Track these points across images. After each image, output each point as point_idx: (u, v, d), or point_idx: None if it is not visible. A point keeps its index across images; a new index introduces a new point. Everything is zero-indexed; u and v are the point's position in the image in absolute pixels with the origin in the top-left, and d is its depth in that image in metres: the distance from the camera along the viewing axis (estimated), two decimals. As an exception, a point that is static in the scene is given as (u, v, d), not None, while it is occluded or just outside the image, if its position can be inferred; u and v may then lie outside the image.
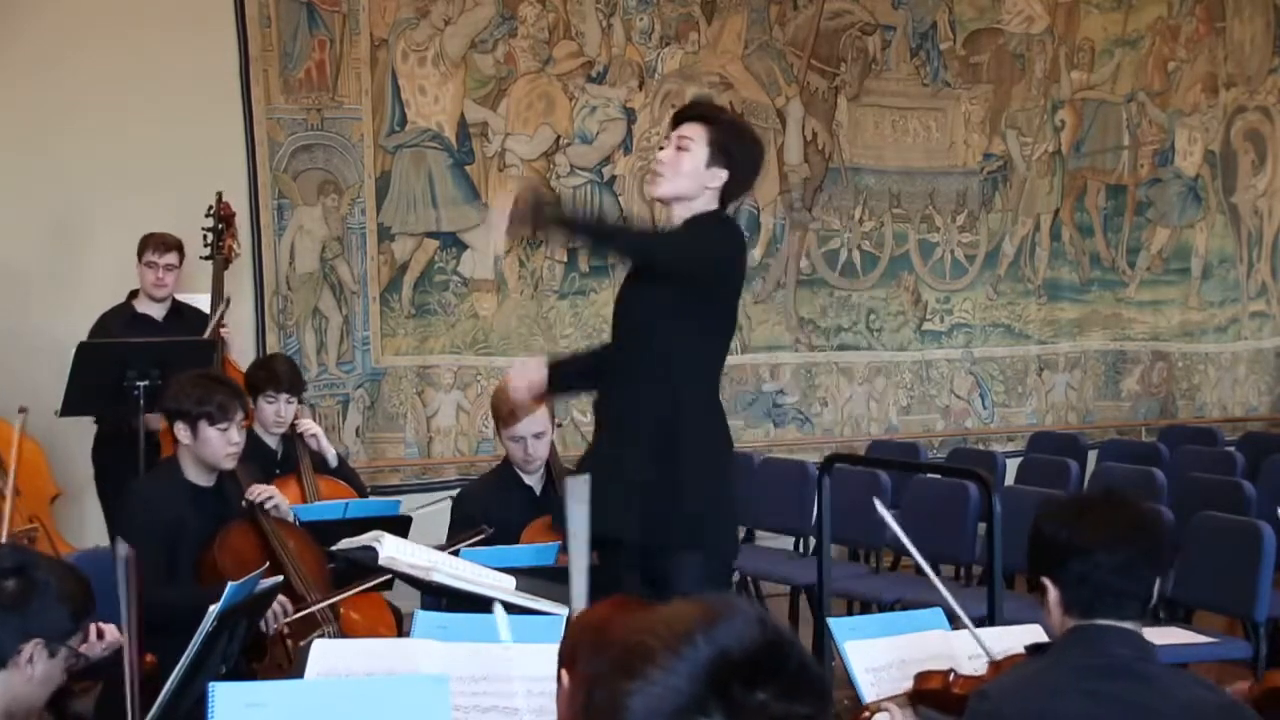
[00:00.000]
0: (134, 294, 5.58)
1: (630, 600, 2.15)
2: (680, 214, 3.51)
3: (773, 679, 1.18)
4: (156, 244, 5.48)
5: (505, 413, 4.20)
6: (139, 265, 5.50)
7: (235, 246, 5.59)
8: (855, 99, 8.05)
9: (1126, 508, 2.40)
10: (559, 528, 4.22)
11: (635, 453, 3.45)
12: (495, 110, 7.07)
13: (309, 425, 4.85)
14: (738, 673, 1.17)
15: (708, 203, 3.49)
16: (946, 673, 2.74)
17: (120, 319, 5.48)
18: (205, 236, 5.55)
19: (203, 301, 5.59)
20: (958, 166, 8.42)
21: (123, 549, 2.78)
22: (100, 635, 3.04)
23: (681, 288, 3.44)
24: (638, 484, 3.42)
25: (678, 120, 3.55)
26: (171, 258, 5.49)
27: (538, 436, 4.23)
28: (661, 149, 3.57)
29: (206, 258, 5.57)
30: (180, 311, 5.60)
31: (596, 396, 3.75)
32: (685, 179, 3.46)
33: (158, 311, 5.55)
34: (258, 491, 4.02)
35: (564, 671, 2.06)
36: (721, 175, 3.47)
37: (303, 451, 4.79)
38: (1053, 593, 2.38)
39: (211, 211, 5.58)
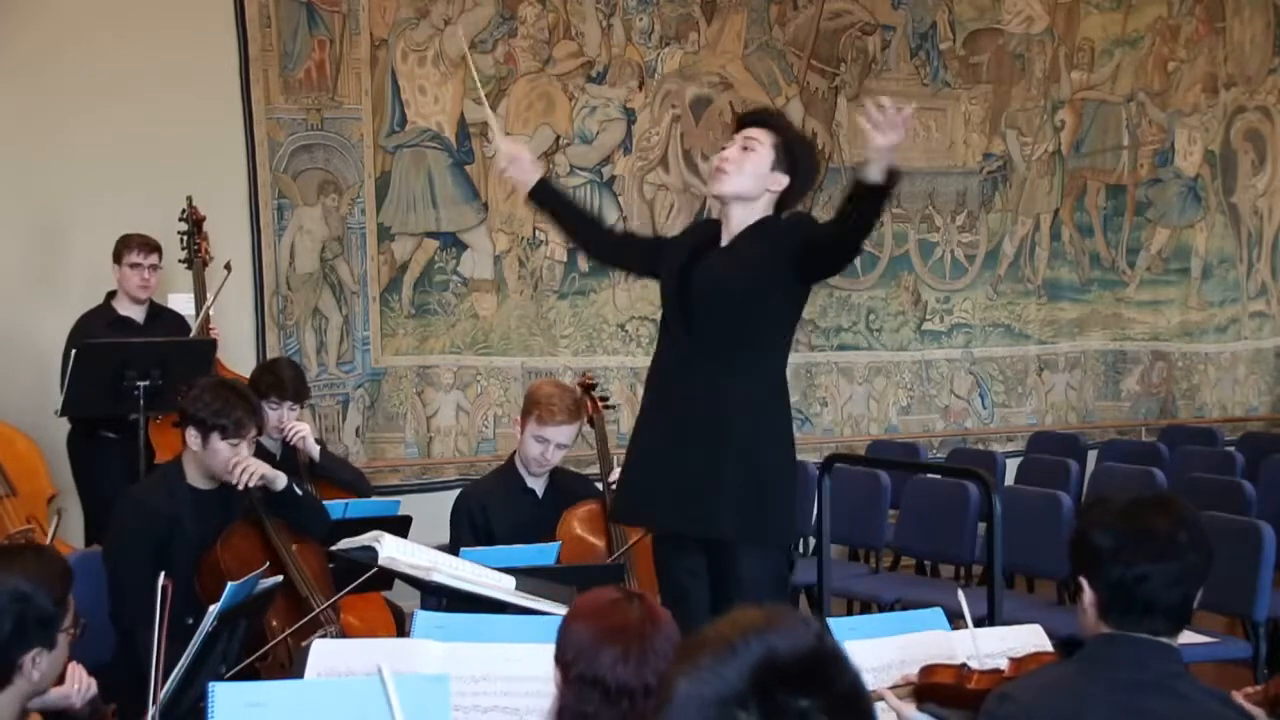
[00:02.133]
0: (111, 295, 5.55)
1: (620, 593, 2.15)
2: (739, 215, 3.50)
3: (819, 692, 1.21)
4: (140, 245, 5.46)
5: (545, 412, 4.20)
6: (120, 267, 5.46)
7: (208, 250, 5.59)
8: (855, 99, 8.05)
9: (1177, 518, 2.29)
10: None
11: (723, 450, 3.45)
12: (495, 110, 7.07)
13: (296, 428, 4.79)
14: (784, 676, 1.20)
15: (766, 207, 3.51)
16: (959, 666, 2.66)
17: (101, 321, 5.45)
18: (181, 240, 5.57)
19: (183, 303, 5.61)
20: (957, 166, 8.42)
21: (160, 579, 2.83)
22: (70, 584, 3.01)
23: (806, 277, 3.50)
24: (722, 482, 3.44)
25: (742, 124, 3.56)
26: (155, 258, 5.48)
27: (560, 446, 4.26)
28: (724, 149, 3.55)
29: (184, 261, 5.58)
30: (159, 314, 5.60)
31: (658, 385, 3.64)
32: (749, 178, 3.47)
33: (138, 314, 5.53)
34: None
35: (557, 670, 2.07)
36: (783, 180, 3.48)
37: (303, 455, 4.79)
38: (1089, 595, 2.30)
39: (184, 216, 5.59)
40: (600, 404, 4.63)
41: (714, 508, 3.43)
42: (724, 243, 3.53)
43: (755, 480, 3.45)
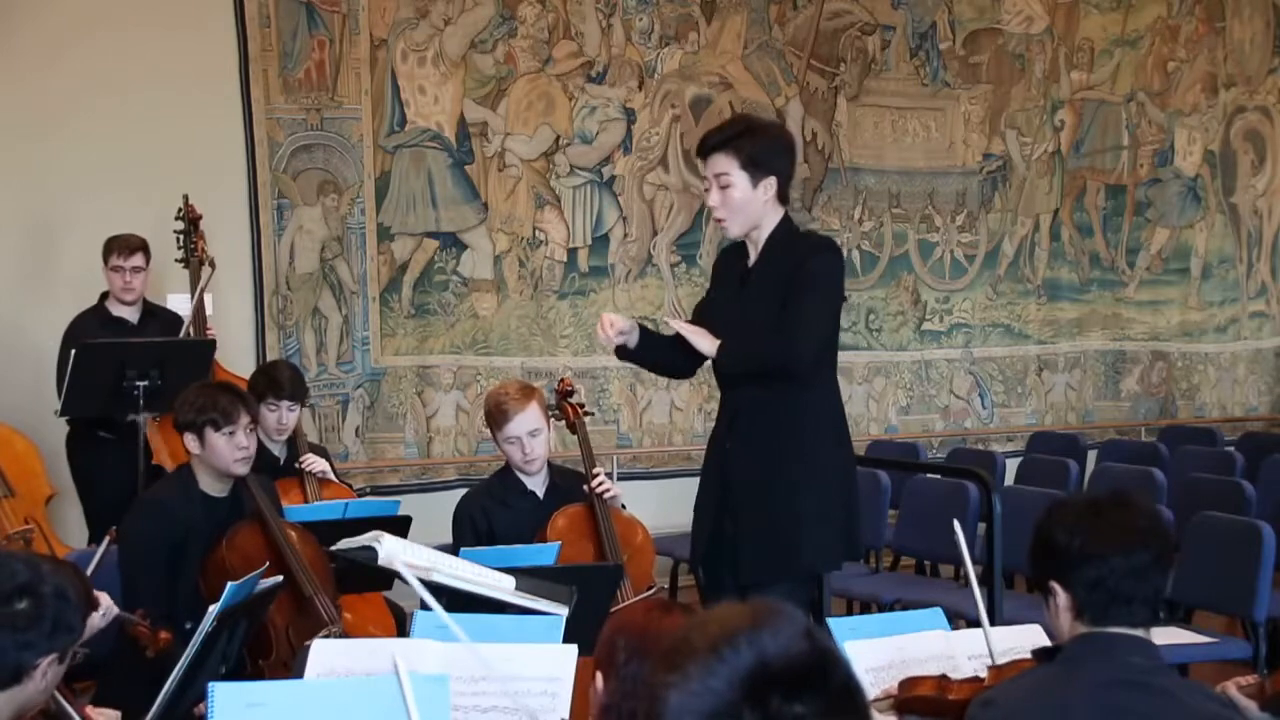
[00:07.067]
0: (105, 295, 5.52)
1: (666, 602, 2.15)
2: (756, 234, 3.65)
3: (814, 694, 1.17)
4: (121, 247, 5.40)
5: (497, 413, 4.13)
6: (105, 269, 5.43)
7: (205, 248, 5.54)
8: (855, 99, 8.05)
9: (1137, 510, 2.34)
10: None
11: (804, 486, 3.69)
12: (495, 110, 7.07)
13: (314, 462, 4.80)
14: (777, 683, 1.16)
15: (774, 209, 3.63)
16: (939, 678, 2.65)
17: (94, 321, 5.42)
18: (178, 239, 5.54)
19: (182, 303, 5.56)
20: (957, 166, 8.42)
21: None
22: (95, 605, 3.05)
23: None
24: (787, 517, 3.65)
25: (704, 154, 3.64)
26: (137, 259, 5.41)
27: (533, 434, 4.10)
28: (706, 190, 3.67)
29: (180, 261, 5.55)
30: (153, 313, 5.57)
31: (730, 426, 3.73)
32: (746, 212, 3.59)
33: (131, 314, 5.50)
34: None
35: (599, 674, 2.06)
36: (771, 183, 3.58)
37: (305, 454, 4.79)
38: (1062, 598, 2.32)
39: (180, 215, 5.57)
40: (579, 410, 4.50)
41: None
42: (751, 259, 3.68)
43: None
